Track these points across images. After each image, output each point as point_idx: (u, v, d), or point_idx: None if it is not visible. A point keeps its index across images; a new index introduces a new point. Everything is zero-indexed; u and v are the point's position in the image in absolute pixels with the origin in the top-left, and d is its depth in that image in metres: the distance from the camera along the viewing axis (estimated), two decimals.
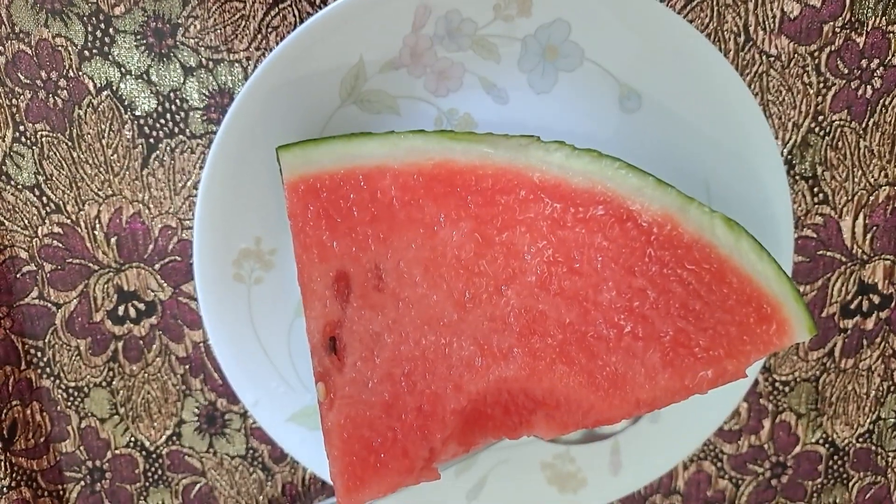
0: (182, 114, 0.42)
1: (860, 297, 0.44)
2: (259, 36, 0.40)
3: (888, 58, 0.40)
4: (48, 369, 0.46)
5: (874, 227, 0.43)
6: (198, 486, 0.49)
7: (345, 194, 0.35)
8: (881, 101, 0.41)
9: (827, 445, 0.48)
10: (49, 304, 0.45)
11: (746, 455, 0.48)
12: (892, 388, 0.46)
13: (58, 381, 0.46)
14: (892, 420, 0.47)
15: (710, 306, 0.35)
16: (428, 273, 0.34)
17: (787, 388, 0.46)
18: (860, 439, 0.47)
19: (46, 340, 0.46)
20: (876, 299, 0.44)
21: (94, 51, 0.40)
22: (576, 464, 0.45)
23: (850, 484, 0.48)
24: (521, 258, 0.35)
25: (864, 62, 0.40)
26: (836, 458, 0.48)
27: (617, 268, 0.35)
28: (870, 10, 0.39)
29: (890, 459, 0.48)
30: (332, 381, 0.34)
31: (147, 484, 0.49)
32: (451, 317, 0.34)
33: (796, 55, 0.40)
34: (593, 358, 0.34)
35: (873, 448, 0.48)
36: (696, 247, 0.35)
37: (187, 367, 0.46)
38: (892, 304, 0.44)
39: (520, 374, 0.34)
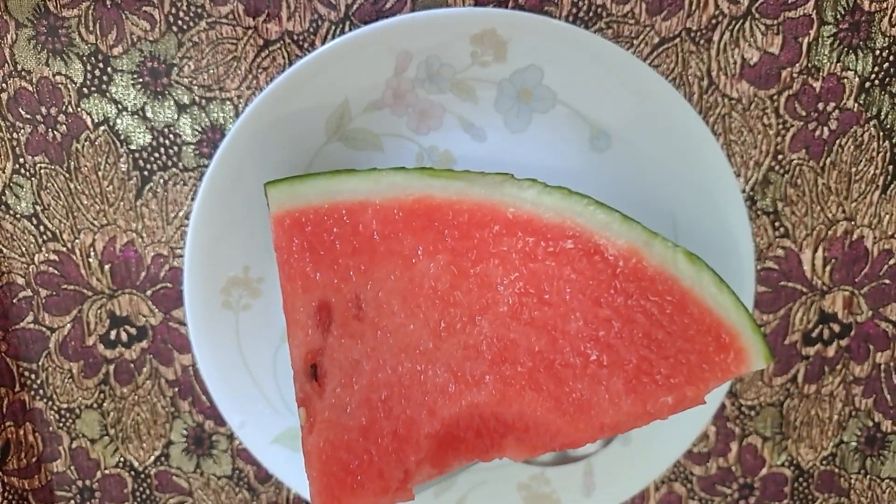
0: (175, 148, 0.44)
1: (821, 326, 0.46)
2: (250, 76, 0.42)
3: (843, 101, 0.42)
4: (41, 391, 0.48)
5: (833, 260, 0.45)
6: None
7: (328, 228, 0.37)
8: (837, 141, 0.43)
9: (792, 468, 0.49)
10: (44, 329, 0.47)
11: (715, 477, 0.49)
12: (853, 413, 0.48)
13: (50, 403, 0.48)
14: (854, 444, 0.49)
15: (672, 336, 0.36)
16: (406, 303, 0.36)
17: (753, 413, 0.48)
18: (824, 462, 0.49)
19: (40, 364, 0.47)
20: (836, 328, 0.46)
21: (93, 88, 0.43)
22: (551, 485, 0.46)
23: None
24: (494, 289, 0.37)
25: (820, 105, 0.42)
26: (801, 479, 0.50)
27: (584, 299, 0.37)
28: (825, 56, 0.42)
29: (853, 481, 0.49)
30: (312, 406, 0.35)
31: (136, 503, 0.50)
32: (427, 345, 0.36)
33: (756, 98, 0.42)
34: (560, 384, 0.36)
35: (836, 470, 0.49)
36: (659, 279, 0.37)
37: (176, 389, 0.48)
38: (852, 332, 0.46)
39: (491, 399, 0.36)
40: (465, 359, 0.36)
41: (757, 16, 0.41)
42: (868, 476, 0.49)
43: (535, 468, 0.46)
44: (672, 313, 0.37)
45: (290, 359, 0.36)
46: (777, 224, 0.44)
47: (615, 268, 0.37)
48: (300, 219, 0.37)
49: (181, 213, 0.45)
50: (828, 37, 0.41)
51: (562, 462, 0.45)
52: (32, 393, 0.48)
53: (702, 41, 0.41)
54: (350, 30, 0.41)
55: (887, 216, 0.44)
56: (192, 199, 0.44)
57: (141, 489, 0.50)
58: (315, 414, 0.35)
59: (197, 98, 0.43)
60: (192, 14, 0.41)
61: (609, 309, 0.37)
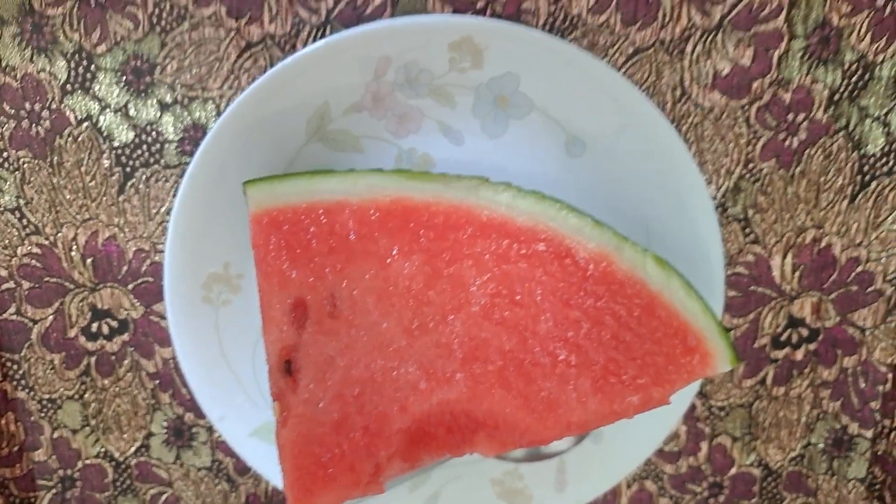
0: (158, 146, 0.44)
1: (790, 330, 0.47)
2: (232, 76, 0.43)
3: (812, 112, 0.43)
4: (23, 381, 0.48)
5: (801, 266, 0.46)
6: (164, 496, 0.51)
7: (305, 227, 0.37)
8: (806, 151, 0.44)
9: (761, 468, 0.50)
10: (26, 320, 0.47)
11: (685, 475, 0.50)
12: (820, 416, 0.49)
13: (32, 393, 0.49)
14: (822, 445, 0.50)
15: (640, 338, 0.37)
16: (380, 302, 0.37)
17: (722, 413, 0.49)
18: (792, 462, 0.50)
19: (22, 354, 0.48)
20: (804, 332, 0.47)
21: (77, 85, 0.43)
22: (524, 481, 0.47)
23: None
24: (467, 289, 0.38)
25: (790, 116, 0.43)
26: (769, 479, 0.51)
27: (555, 300, 0.38)
28: (795, 69, 0.42)
29: (820, 482, 0.51)
30: (286, 400, 0.36)
31: (116, 493, 0.51)
32: (400, 343, 0.37)
33: (728, 108, 0.43)
34: (530, 383, 0.37)
35: (804, 471, 0.51)
36: (628, 283, 0.38)
37: (157, 382, 0.48)
38: (820, 337, 0.48)
39: (462, 396, 0.37)
40: (437, 357, 0.37)
41: (729, 28, 0.42)
42: (835, 477, 0.50)
43: (509, 464, 0.47)
44: (640, 316, 0.38)
45: (266, 354, 0.37)
46: (747, 230, 0.45)
47: (586, 271, 0.38)
48: (278, 217, 0.37)
49: (163, 209, 0.45)
50: (798, 50, 0.42)
51: (535, 458, 0.46)
52: (14, 383, 0.48)
53: (675, 52, 0.42)
54: (331, 34, 0.42)
55: (855, 225, 0.45)
56: (174, 196, 0.45)
57: (121, 479, 0.50)
58: (289, 408, 0.36)
59: (179, 97, 0.43)
60: (175, 15, 0.42)
61: (579, 310, 0.38)
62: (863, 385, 0.49)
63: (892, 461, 0.50)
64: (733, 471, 0.50)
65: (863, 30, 0.42)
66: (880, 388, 0.49)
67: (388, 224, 0.38)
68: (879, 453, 0.50)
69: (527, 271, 0.38)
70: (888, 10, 0.41)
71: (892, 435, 0.49)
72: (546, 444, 0.37)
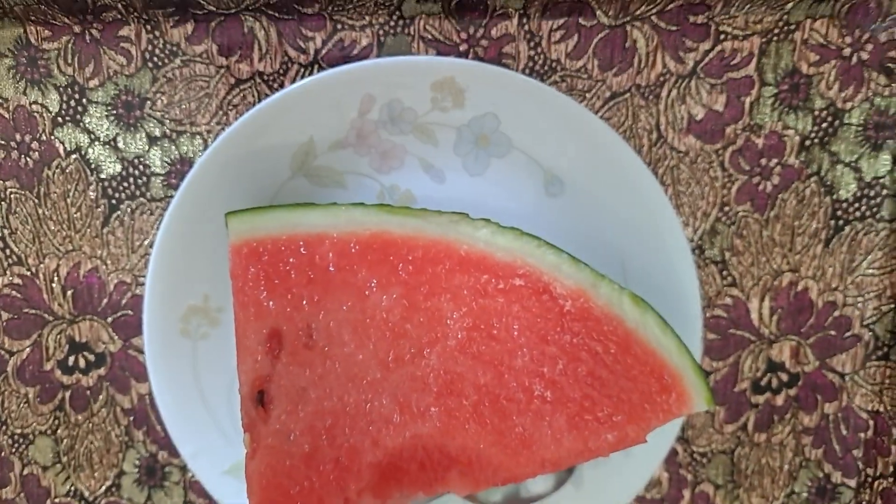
0: (144, 178, 0.45)
1: (769, 375, 0.47)
2: (220, 112, 0.44)
3: (784, 158, 0.44)
4: None
5: (779, 310, 0.46)
6: None
7: (285, 258, 0.38)
8: (780, 195, 0.45)
9: None
10: (2, 352, 0.47)
11: None
12: (803, 464, 0.49)
13: (4, 428, 0.48)
14: (805, 495, 0.49)
15: (615, 375, 0.37)
16: (356, 334, 0.37)
17: (704, 460, 0.48)
18: None
19: None
20: (784, 377, 0.47)
21: (67, 118, 0.44)
22: None
23: None
24: (444, 323, 0.38)
25: (763, 160, 0.44)
26: None
27: (531, 335, 0.38)
28: (766, 115, 0.44)
29: None
30: (257, 431, 0.36)
31: None
32: (375, 375, 0.36)
33: (703, 152, 0.44)
34: (504, 419, 0.36)
35: None
36: (605, 320, 0.38)
37: (131, 418, 0.48)
38: (800, 382, 0.47)
39: (435, 431, 0.36)
40: (411, 390, 0.36)
41: (702, 75, 0.43)
42: None
43: None
44: (616, 353, 0.38)
45: (239, 384, 0.36)
46: (725, 273, 0.46)
47: (563, 307, 0.38)
48: (258, 248, 0.38)
49: (146, 242, 0.46)
50: (769, 97, 0.44)
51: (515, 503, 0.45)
52: None
53: (650, 97, 0.43)
54: (318, 73, 0.43)
55: (830, 269, 0.46)
56: (158, 229, 0.45)
57: None
58: (259, 439, 0.35)
59: (168, 131, 0.44)
60: (167, 51, 0.43)
61: (555, 346, 0.38)
62: (844, 432, 0.48)
63: None
64: None
65: (831, 78, 0.43)
66: (862, 434, 0.48)
67: (368, 257, 0.38)
68: None
69: (504, 306, 0.38)
70: (854, 59, 0.43)
71: (876, 485, 0.49)
72: (519, 481, 0.36)
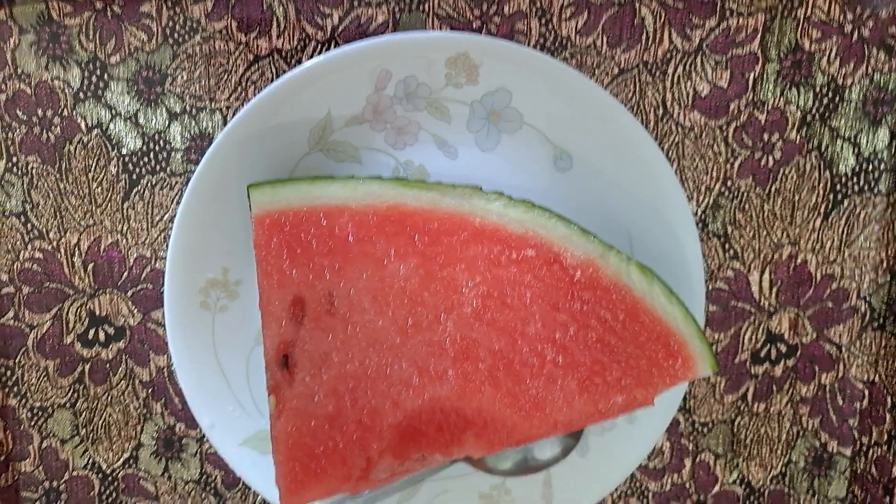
0: (165, 154, 0.46)
1: (769, 346, 0.49)
2: (239, 88, 0.45)
3: (786, 133, 0.46)
4: (16, 388, 0.48)
5: (779, 282, 0.48)
6: None
7: (306, 229, 0.39)
8: (781, 170, 0.46)
9: (743, 486, 0.51)
10: (23, 326, 0.48)
11: (670, 493, 0.51)
12: (801, 433, 0.50)
13: (24, 401, 0.49)
14: (802, 463, 0.51)
15: (624, 341, 0.39)
16: (376, 301, 0.38)
17: (705, 430, 0.50)
18: (774, 481, 0.51)
19: (17, 360, 0.48)
20: (783, 348, 0.49)
21: (89, 94, 0.45)
22: (511, 495, 0.47)
23: None
24: (459, 292, 0.39)
25: (765, 136, 0.46)
26: (752, 498, 0.51)
27: (543, 304, 0.39)
28: (769, 91, 0.45)
29: (801, 502, 0.51)
30: (282, 393, 0.37)
31: None
32: (394, 340, 0.38)
33: (707, 128, 0.46)
34: (518, 382, 0.38)
35: (786, 490, 0.51)
36: (613, 289, 0.39)
37: (150, 390, 0.49)
38: (798, 353, 0.49)
39: (452, 393, 0.37)
40: (429, 355, 0.38)
41: (707, 52, 0.44)
42: (816, 496, 0.51)
43: (497, 478, 0.47)
44: (624, 320, 0.39)
45: (263, 349, 0.37)
46: (727, 246, 0.47)
47: (573, 276, 0.39)
48: (280, 219, 0.39)
49: (166, 217, 0.47)
50: (772, 73, 0.45)
51: (522, 472, 0.46)
52: (6, 390, 0.48)
53: (657, 73, 0.45)
54: (335, 49, 0.44)
55: (829, 242, 0.47)
56: (178, 203, 0.46)
57: (107, 492, 0.50)
58: (284, 401, 0.37)
59: (188, 107, 0.45)
60: (187, 28, 0.44)
61: (566, 314, 0.39)
62: (841, 402, 0.50)
63: (871, 480, 0.51)
64: (716, 489, 0.51)
65: (832, 55, 0.45)
66: (857, 405, 0.50)
67: (386, 228, 0.39)
68: (858, 472, 0.51)
69: (517, 276, 0.39)
70: (855, 36, 0.44)
71: (871, 453, 0.50)
72: (533, 440, 0.38)
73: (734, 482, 0.51)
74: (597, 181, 0.44)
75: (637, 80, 0.45)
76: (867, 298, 0.48)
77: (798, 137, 0.46)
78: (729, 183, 0.46)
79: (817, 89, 0.45)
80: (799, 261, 0.48)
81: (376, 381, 0.37)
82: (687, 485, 0.51)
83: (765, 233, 0.47)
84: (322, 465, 0.36)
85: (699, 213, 0.47)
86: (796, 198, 0.47)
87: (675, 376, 0.38)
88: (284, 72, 0.45)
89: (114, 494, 0.50)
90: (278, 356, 0.37)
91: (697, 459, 0.50)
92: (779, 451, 0.50)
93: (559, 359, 0.38)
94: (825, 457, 0.50)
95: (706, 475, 0.50)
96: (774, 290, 0.48)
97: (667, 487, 0.51)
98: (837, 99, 0.45)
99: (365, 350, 0.38)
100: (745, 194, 0.47)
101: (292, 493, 0.36)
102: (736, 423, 0.50)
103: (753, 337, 0.49)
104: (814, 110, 0.46)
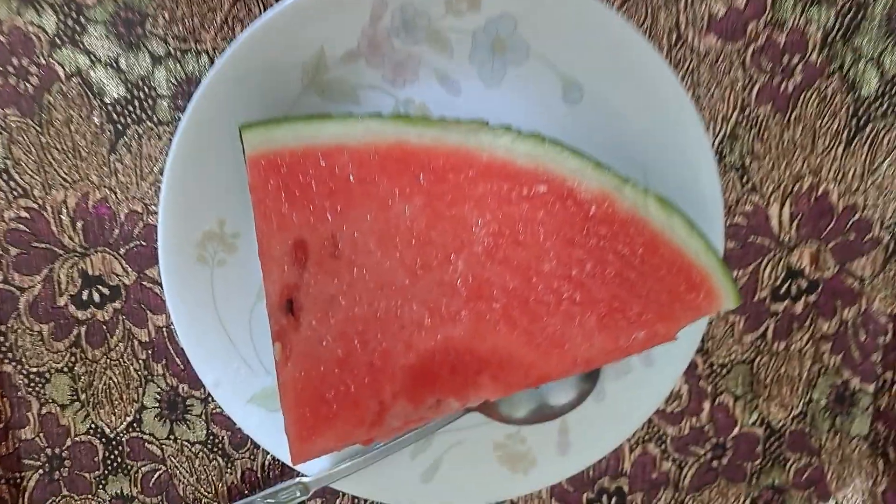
0: (150, 101, 0.44)
1: (789, 282, 0.47)
2: (225, 27, 0.42)
3: (807, 54, 0.43)
4: (10, 354, 0.47)
5: (799, 215, 0.46)
6: (157, 473, 0.49)
7: (304, 170, 0.37)
8: (801, 95, 0.44)
9: (764, 427, 0.50)
10: (13, 289, 0.46)
11: (688, 437, 0.50)
12: (822, 371, 0.49)
13: (19, 367, 0.47)
14: (824, 402, 0.50)
15: (644, 276, 0.37)
16: (382, 242, 0.36)
17: (724, 371, 0.49)
18: (794, 421, 0.50)
19: (9, 325, 0.46)
20: (803, 284, 0.47)
21: (66, 39, 0.42)
22: (526, 444, 0.46)
23: (787, 465, 0.50)
24: (469, 230, 0.37)
25: (785, 58, 0.43)
26: (772, 439, 0.50)
27: (557, 240, 0.37)
28: (789, 10, 0.43)
29: (823, 441, 0.50)
30: (288, 339, 0.35)
31: (106, 472, 0.49)
32: (403, 282, 0.36)
33: (724, 52, 0.43)
34: (535, 320, 0.36)
35: (807, 430, 0.50)
36: (630, 222, 0.37)
37: (150, 351, 0.47)
38: (819, 288, 0.47)
39: (466, 333, 0.36)
40: (440, 295, 0.36)
41: None
42: (838, 435, 0.50)
43: (511, 427, 0.46)
44: (643, 254, 0.37)
45: (265, 294, 0.36)
46: (745, 179, 0.45)
47: (587, 211, 0.38)
48: (276, 160, 0.37)
49: (156, 169, 0.44)
50: None
51: (537, 420, 0.45)
52: (1, 356, 0.47)
53: None
54: None
55: (851, 171, 0.45)
56: (167, 154, 0.44)
57: (112, 457, 0.49)
58: (291, 346, 0.35)
59: (172, 50, 0.43)
60: None
61: (582, 250, 0.37)
62: (863, 337, 0.48)
63: (894, 416, 0.49)
64: (736, 431, 0.50)
65: None
66: (881, 339, 0.48)
67: (388, 167, 0.37)
68: (882, 408, 0.50)
69: (529, 212, 0.38)
70: None
71: (895, 388, 0.49)
72: (552, 380, 0.36)
73: (754, 423, 0.50)
74: (609, 113, 0.42)
75: (648, 3, 0.43)
76: (891, 229, 0.46)
77: (819, 59, 0.44)
78: (747, 111, 0.44)
79: (839, 6, 0.43)
80: (820, 191, 0.46)
81: (386, 323, 0.36)
82: (706, 428, 0.49)
83: (784, 163, 0.45)
84: (333, 410, 0.35)
85: (716, 144, 0.45)
86: (817, 124, 0.45)
87: (698, 310, 0.37)
88: (272, 6, 0.42)
89: (119, 459, 0.49)
90: (282, 301, 0.36)
91: (716, 402, 0.49)
92: (799, 391, 0.49)
93: (577, 296, 0.37)
94: (847, 394, 0.49)
95: (725, 417, 0.49)
96: (795, 223, 0.46)
97: (685, 431, 0.49)
98: (860, 16, 0.43)
99: (373, 292, 0.36)
100: (764, 123, 0.45)
101: (303, 440, 0.34)
102: (755, 363, 0.49)
103: (773, 273, 0.47)
104: (835, 29, 0.43)
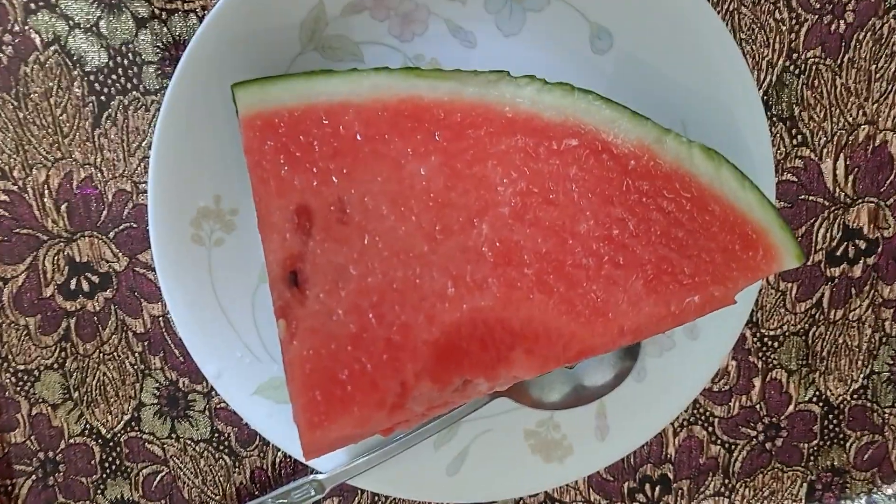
0: (135, 68, 0.41)
1: (846, 243, 0.44)
2: None
3: None
4: None
5: (856, 169, 0.43)
6: (159, 475, 0.46)
7: (305, 130, 0.34)
8: (855, 35, 0.41)
9: (821, 404, 0.46)
10: None
11: (738, 417, 0.46)
12: (884, 340, 0.45)
13: (5, 365, 0.44)
14: (887, 374, 0.46)
15: (693, 234, 0.34)
16: (395, 206, 0.34)
17: (776, 344, 0.45)
18: (855, 396, 0.46)
19: None
20: (862, 245, 0.44)
21: (41, 3, 0.40)
22: (561, 430, 0.43)
23: (848, 444, 0.47)
24: (493, 190, 0.34)
25: None
26: (830, 416, 0.46)
27: (594, 198, 0.34)
28: None
29: (886, 416, 0.47)
30: (293, 314, 0.32)
31: (104, 476, 0.46)
32: (421, 248, 0.33)
33: None
34: (573, 286, 0.33)
35: (869, 405, 0.46)
36: (675, 176, 0.35)
37: (146, 343, 0.44)
38: (879, 249, 0.44)
39: (496, 303, 0.33)
40: (464, 262, 0.33)
41: None
42: None
43: (544, 413, 0.43)
44: (692, 210, 0.35)
45: (266, 266, 0.33)
46: (794, 131, 0.42)
47: (626, 165, 0.35)
48: (273, 119, 0.34)
49: (144, 143, 0.42)
50: None
51: (572, 404, 0.42)
52: None
53: None
54: None
55: None
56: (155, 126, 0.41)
57: (110, 459, 0.46)
58: (297, 322, 0.32)
59: (156, 10, 0.40)
60: None
61: (622, 208, 0.34)
62: None
63: None
64: (790, 409, 0.46)
65: None
66: None
67: (399, 124, 0.35)
68: None
69: (559, 169, 0.35)
70: None
71: None
72: (597, 353, 0.33)
73: (810, 400, 0.46)
74: (642, 61, 0.39)
75: None
76: None
77: None
78: (794, 56, 0.41)
79: None
80: (878, 142, 0.42)
81: (404, 293, 0.33)
82: (757, 407, 0.46)
83: (837, 112, 0.42)
84: (348, 391, 0.31)
85: (760, 93, 0.41)
86: (872, 68, 0.42)
87: (757, 269, 0.34)
88: None
89: (117, 461, 0.46)
90: (285, 273, 0.32)
91: (768, 378, 0.46)
92: (859, 363, 0.46)
93: (619, 258, 0.33)
94: None
95: (778, 395, 0.46)
96: (851, 178, 0.43)
97: (734, 412, 0.46)
98: None
99: (388, 260, 0.33)
100: (814, 68, 0.41)
101: (314, 426, 0.31)
102: (810, 334, 0.45)
103: (828, 234, 0.43)
104: None
